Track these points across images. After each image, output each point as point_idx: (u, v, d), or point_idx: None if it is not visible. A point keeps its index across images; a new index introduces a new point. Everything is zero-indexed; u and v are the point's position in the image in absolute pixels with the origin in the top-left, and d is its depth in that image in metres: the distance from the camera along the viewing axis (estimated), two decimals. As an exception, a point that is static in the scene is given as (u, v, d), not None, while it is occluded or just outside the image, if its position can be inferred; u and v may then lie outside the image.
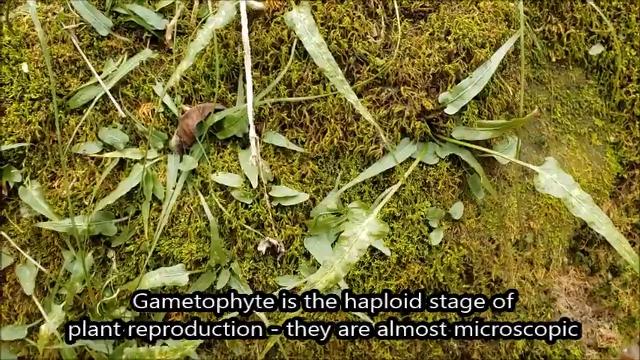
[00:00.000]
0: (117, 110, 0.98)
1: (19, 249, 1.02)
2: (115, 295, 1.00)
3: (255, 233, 0.97)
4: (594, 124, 1.11)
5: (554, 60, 1.07)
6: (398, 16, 0.93)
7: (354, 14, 0.94)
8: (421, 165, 0.97)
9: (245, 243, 0.97)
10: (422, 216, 0.99)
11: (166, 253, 0.98)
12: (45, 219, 1.00)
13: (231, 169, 0.98)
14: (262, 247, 0.97)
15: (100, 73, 0.99)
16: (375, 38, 0.93)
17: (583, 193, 0.83)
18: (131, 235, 1.00)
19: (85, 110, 0.99)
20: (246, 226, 0.96)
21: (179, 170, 0.99)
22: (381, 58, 0.94)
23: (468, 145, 0.96)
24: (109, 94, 0.98)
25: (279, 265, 0.99)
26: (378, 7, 0.93)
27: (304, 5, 0.87)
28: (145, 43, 1.03)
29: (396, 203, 0.97)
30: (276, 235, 0.98)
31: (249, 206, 0.97)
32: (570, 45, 1.06)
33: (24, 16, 0.99)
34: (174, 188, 0.98)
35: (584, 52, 1.07)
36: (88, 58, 0.99)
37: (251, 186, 0.95)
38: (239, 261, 0.99)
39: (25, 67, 0.99)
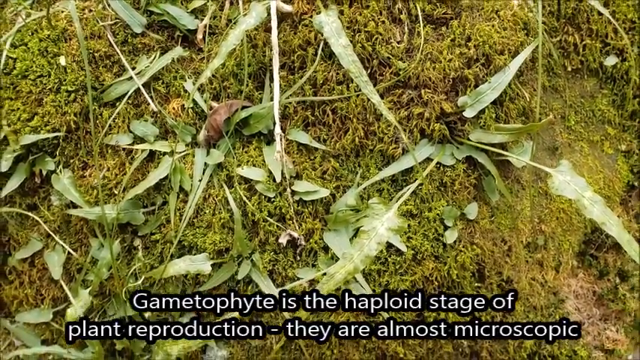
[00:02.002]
0: (148, 104, 1.02)
1: (51, 233, 1.05)
2: (139, 282, 1.03)
3: (277, 226, 1.00)
4: (607, 133, 1.14)
5: (569, 69, 1.11)
6: (421, 22, 0.96)
7: (378, 19, 0.98)
8: (438, 165, 1.00)
9: (267, 235, 1.00)
10: (438, 214, 1.02)
11: (190, 243, 1.01)
12: (75, 206, 1.03)
13: (256, 163, 1.01)
14: (283, 240, 1.00)
15: (133, 69, 1.03)
16: (399, 42, 0.96)
17: (595, 195, 0.85)
18: (157, 225, 1.03)
19: (117, 103, 1.02)
20: (269, 219, 0.99)
21: (206, 163, 1.02)
22: (404, 62, 0.97)
23: (485, 147, 0.99)
24: (141, 88, 1.02)
25: (298, 258, 1.01)
26: (402, 13, 0.96)
27: (332, 9, 0.91)
28: (176, 42, 1.07)
29: (413, 201, 1.00)
30: (297, 228, 1.01)
31: (272, 200, 1.00)
32: (586, 55, 1.09)
33: (62, 12, 1.03)
34: (200, 180, 1.01)
35: (599, 63, 1.10)
36: (122, 53, 1.03)
37: (274, 180, 0.99)
38: (260, 252, 1.01)
39: (62, 61, 1.02)
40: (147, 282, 1.05)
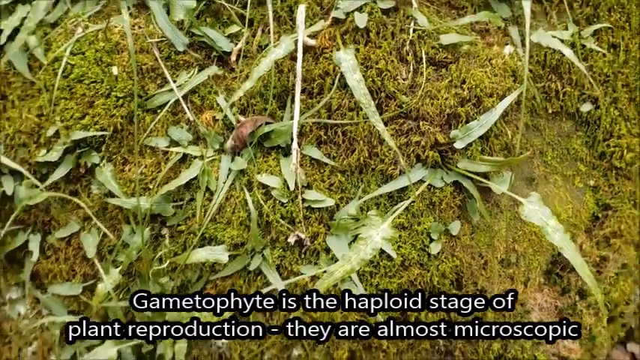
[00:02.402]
0: (185, 114, 1.15)
1: (92, 216, 1.16)
2: (164, 266, 1.15)
3: (287, 227, 1.12)
4: (578, 169, 1.27)
5: (550, 111, 1.24)
6: (424, 63, 1.09)
7: (388, 58, 1.11)
8: (429, 187, 1.13)
9: (277, 234, 1.13)
10: (425, 229, 1.14)
11: (211, 236, 1.14)
12: (113, 196, 1.16)
13: (273, 172, 1.14)
14: (291, 239, 1.13)
15: (174, 82, 1.15)
16: (404, 79, 1.09)
17: (557, 224, 0.99)
18: (184, 218, 1.15)
19: (159, 111, 1.15)
20: (280, 221, 1.12)
21: (230, 169, 1.14)
22: (407, 96, 1.10)
23: (470, 175, 1.12)
24: (180, 99, 1.15)
25: (303, 256, 1.14)
26: (408, 55, 1.09)
27: (350, 48, 1.06)
28: (212, 61, 1.20)
29: (405, 216, 1.13)
30: (304, 230, 1.13)
31: (285, 204, 1.12)
32: (565, 101, 1.22)
33: (116, 27, 1.15)
34: (224, 183, 1.13)
35: (576, 108, 1.24)
36: (165, 68, 1.16)
37: (288, 188, 1.11)
38: (270, 249, 1.14)
39: (114, 70, 1.15)
40: (170, 266, 1.17)
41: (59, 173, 1.18)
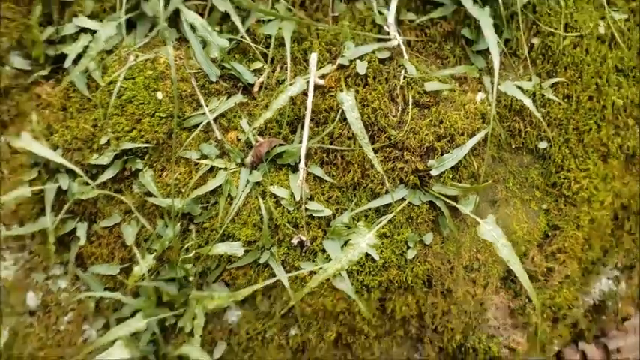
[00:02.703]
0: (214, 133, 1.32)
1: (134, 210, 1.32)
2: (190, 255, 1.30)
3: (292, 230, 1.29)
4: (534, 195, 1.44)
5: (513, 146, 1.41)
6: (410, 104, 1.27)
7: (382, 99, 1.28)
8: (409, 204, 1.30)
9: (284, 236, 1.29)
10: (404, 238, 1.31)
11: (229, 233, 1.29)
12: (151, 196, 1.31)
13: (283, 185, 1.30)
14: (295, 240, 1.29)
15: (207, 106, 1.32)
16: (394, 117, 1.27)
17: (506, 242, 1.17)
18: (208, 217, 1.31)
19: (193, 130, 1.32)
20: (287, 225, 1.28)
21: (248, 180, 1.30)
22: (395, 131, 1.27)
23: (442, 197, 1.29)
24: (211, 121, 1.31)
25: (303, 254, 1.30)
26: (398, 97, 1.28)
27: (351, 90, 1.24)
28: (238, 90, 1.36)
29: (388, 227, 1.30)
30: (305, 234, 1.29)
31: (291, 212, 1.29)
32: (526, 138, 1.40)
33: (161, 57, 1.31)
34: (242, 191, 1.29)
35: (535, 145, 1.41)
36: (200, 94, 1.32)
37: (294, 198, 1.28)
38: (277, 247, 1.29)
39: (159, 95, 1.30)
40: (195, 255, 1.31)
41: (108, 175, 1.33)
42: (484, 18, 1.26)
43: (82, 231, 1.38)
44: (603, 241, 1.54)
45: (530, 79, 1.37)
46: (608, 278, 1.64)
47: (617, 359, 1.80)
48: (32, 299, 1.48)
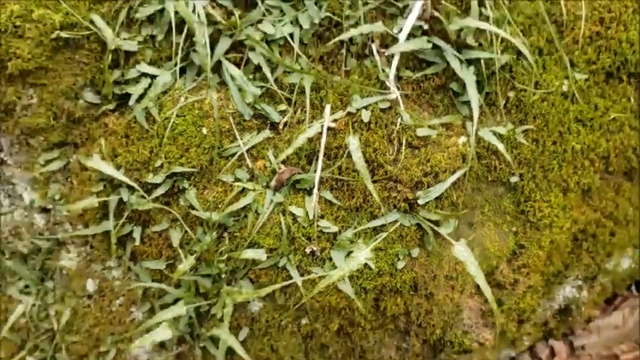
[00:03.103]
0: (246, 161, 1.46)
1: (179, 218, 1.46)
2: (223, 257, 1.45)
3: (306, 242, 1.44)
4: (506, 219, 1.60)
5: (489, 179, 1.55)
6: (404, 146, 1.44)
7: (381, 141, 1.43)
8: (400, 225, 1.45)
9: (299, 246, 1.44)
10: (395, 252, 1.46)
11: (255, 241, 1.43)
12: (194, 209, 1.45)
13: (300, 205, 1.45)
14: (308, 250, 1.44)
15: (241, 139, 1.46)
16: (390, 155, 1.43)
17: (474, 261, 1.38)
18: (239, 228, 1.44)
19: (230, 158, 1.46)
20: (302, 237, 1.43)
21: (272, 200, 1.45)
22: (391, 167, 1.42)
23: (427, 221, 1.45)
24: (244, 152, 1.46)
25: (314, 262, 1.45)
26: (394, 140, 1.43)
27: (356, 134, 1.42)
28: (267, 126, 1.50)
29: (382, 242, 1.45)
30: (316, 245, 1.44)
31: (305, 227, 1.44)
32: (500, 173, 1.55)
33: (206, 99, 1.45)
34: (267, 208, 1.44)
35: (507, 179, 1.56)
36: (236, 130, 1.47)
37: (308, 217, 1.43)
38: (293, 254, 1.44)
39: (204, 130, 1.45)
40: (227, 258, 1.45)
41: (160, 191, 1.48)
42: (468, 76, 1.47)
43: (136, 234, 1.53)
44: (564, 258, 1.70)
45: (505, 126, 1.53)
46: (572, 287, 1.83)
47: (580, 355, 1.98)
48: (90, 285, 1.65)
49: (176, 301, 1.52)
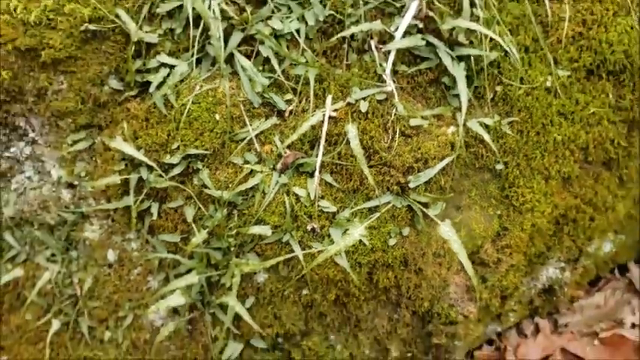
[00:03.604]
0: (255, 145, 1.56)
1: (193, 196, 1.56)
2: (233, 232, 1.54)
3: (307, 220, 1.54)
4: (491, 203, 1.68)
5: (476, 166, 1.65)
6: (397, 135, 1.54)
7: (377, 130, 1.53)
8: (393, 206, 1.54)
9: (301, 223, 1.53)
10: (388, 230, 1.56)
11: (262, 218, 1.53)
12: (207, 187, 1.54)
13: (302, 186, 1.54)
14: (309, 227, 1.53)
15: (250, 125, 1.55)
16: (385, 143, 1.53)
17: (457, 239, 1.50)
18: (247, 206, 1.54)
19: (240, 142, 1.55)
20: (304, 216, 1.53)
21: (277, 181, 1.54)
22: (386, 153, 1.52)
23: (417, 203, 1.54)
24: (253, 137, 1.55)
25: (314, 238, 1.55)
26: (389, 129, 1.53)
27: (355, 123, 1.52)
28: (274, 114, 1.60)
29: (376, 221, 1.54)
30: (317, 223, 1.54)
31: (307, 206, 1.53)
32: (486, 161, 1.64)
33: (219, 88, 1.55)
34: (273, 189, 1.53)
35: (493, 166, 1.66)
36: (246, 117, 1.56)
37: (310, 197, 1.52)
38: (296, 231, 1.54)
39: (217, 116, 1.55)
40: (236, 233, 1.54)
41: (176, 170, 1.58)
42: (458, 72, 1.59)
43: (154, 209, 1.64)
44: (545, 240, 1.80)
45: (492, 117, 1.63)
46: (555, 268, 1.96)
47: (563, 332, 2.11)
48: (111, 255, 1.76)
49: (189, 271, 1.63)
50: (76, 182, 1.74)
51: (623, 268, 2.23)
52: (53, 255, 1.77)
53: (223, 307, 1.61)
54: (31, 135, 1.73)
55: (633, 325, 1.99)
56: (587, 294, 2.15)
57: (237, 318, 1.60)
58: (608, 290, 2.16)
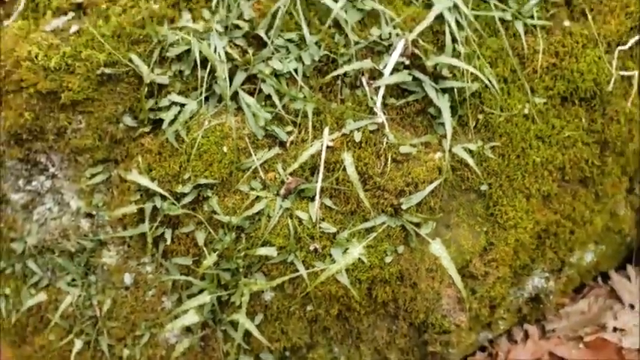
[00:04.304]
0: (259, 173, 1.62)
1: (203, 221, 1.63)
2: (241, 254, 1.60)
3: (310, 240, 1.60)
4: (478, 221, 1.76)
5: (463, 188, 1.72)
6: (390, 161, 1.62)
7: (370, 157, 1.62)
8: (388, 226, 1.61)
9: (304, 244, 1.60)
10: (384, 249, 1.63)
11: (268, 240, 1.59)
12: (216, 213, 1.61)
13: (304, 210, 1.61)
14: (311, 247, 1.59)
15: (255, 155, 1.63)
16: (378, 169, 1.60)
17: (447, 255, 1.57)
18: (254, 229, 1.60)
19: (246, 171, 1.63)
20: (306, 237, 1.60)
21: (281, 206, 1.60)
22: (379, 178, 1.60)
23: (409, 223, 1.62)
24: (258, 166, 1.62)
25: (316, 257, 1.61)
26: (382, 156, 1.61)
27: (350, 152, 1.60)
28: (276, 145, 1.68)
29: (373, 241, 1.60)
30: (319, 243, 1.61)
31: (309, 228, 1.59)
32: (472, 183, 1.72)
33: (226, 123, 1.64)
34: (277, 213, 1.60)
35: (478, 187, 1.73)
36: (251, 148, 1.64)
37: (312, 220, 1.59)
38: (300, 251, 1.61)
39: (224, 149, 1.64)
40: (244, 254, 1.60)
41: (188, 199, 1.66)
42: (443, 103, 1.72)
43: (168, 235, 1.71)
44: (529, 253, 1.88)
45: (475, 143, 1.73)
46: (540, 278, 2.06)
47: (550, 337, 2.21)
48: (127, 278, 1.82)
49: (201, 291, 1.69)
50: (94, 212, 1.81)
51: (606, 276, 2.41)
52: (74, 280, 1.84)
53: (234, 324, 1.68)
54: (52, 170, 1.82)
55: (615, 329, 2.08)
56: (573, 301, 2.24)
57: (247, 334, 1.65)
58: (591, 297, 2.24)
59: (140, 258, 1.81)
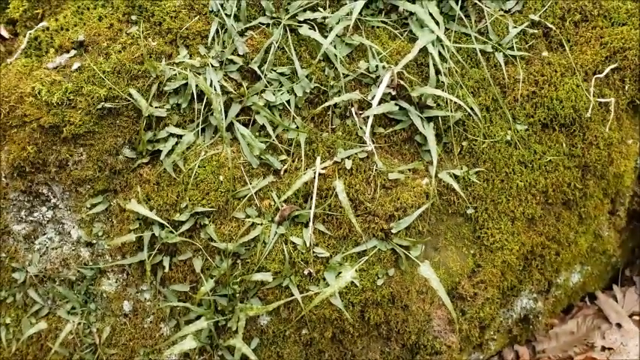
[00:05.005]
0: (255, 201, 1.65)
1: (201, 248, 1.66)
2: (237, 280, 1.63)
3: (304, 265, 1.64)
4: (465, 244, 1.82)
5: (450, 212, 1.78)
6: (379, 187, 1.67)
7: (360, 184, 1.67)
8: (379, 250, 1.66)
9: (299, 269, 1.63)
10: (375, 272, 1.67)
11: (263, 266, 1.63)
12: (213, 240, 1.64)
13: (299, 236, 1.64)
14: (306, 272, 1.63)
15: (250, 184, 1.67)
16: (368, 195, 1.65)
17: (436, 277, 1.63)
18: (250, 255, 1.64)
19: (242, 199, 1.66)
20: (300, 262, 1.64)
21: (276, 232, 1.65)
22: (370, 204, 1.65)
23: (399, 246, 1.67)
24: (253, 194, 1.66)
25: (311, 281, 1.64)
26: (371, 183, 1.67)
27: (341, 179, 1.66)
28: (271, 173, 1.72)
29: (365, 264, 1.65)
30: (313, 267, 1.64)
31: (304, 253, 1.63)
32: (458, 207, 1.77)
33: (222, 153, 1.67)
34: (272, 239, 1.64)
35: (465, 211, 1.79)
36: (246, 176, 1.68)
37: (306, 245, 1.63)
38: (294, 276, 1.64)
39: (221, 178, 1.67)
40: (240, 280, 1.63)
41: (185, 227, 1.70)
42: (428, 131, 1.79)
43: (166, 262, 1.75)
44: (516, 275, 1.93)
45: (460, 169, 1.80)
46: (528, 299, 2.12)
47: (541, 357, 2.29)
48: (126, 306, 1.84)
49: (198, 317, 1.72)
50: (94, 241, 1.84)
51: (593, 297, 2.47)
52: (73, 308, 1.85)
53: (231, 349, 1.70)
54: (53, 201, 1.85)
55: (603, 348, 2.15)
56: (562, 321, 2.32)
57: (243, 358, 1.67)
58: (579, 317, 2.31)
59: (139, 285, 1.83)
